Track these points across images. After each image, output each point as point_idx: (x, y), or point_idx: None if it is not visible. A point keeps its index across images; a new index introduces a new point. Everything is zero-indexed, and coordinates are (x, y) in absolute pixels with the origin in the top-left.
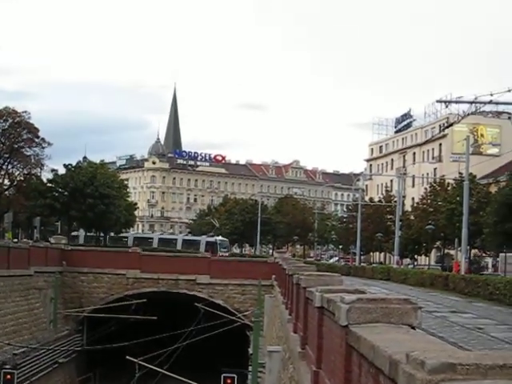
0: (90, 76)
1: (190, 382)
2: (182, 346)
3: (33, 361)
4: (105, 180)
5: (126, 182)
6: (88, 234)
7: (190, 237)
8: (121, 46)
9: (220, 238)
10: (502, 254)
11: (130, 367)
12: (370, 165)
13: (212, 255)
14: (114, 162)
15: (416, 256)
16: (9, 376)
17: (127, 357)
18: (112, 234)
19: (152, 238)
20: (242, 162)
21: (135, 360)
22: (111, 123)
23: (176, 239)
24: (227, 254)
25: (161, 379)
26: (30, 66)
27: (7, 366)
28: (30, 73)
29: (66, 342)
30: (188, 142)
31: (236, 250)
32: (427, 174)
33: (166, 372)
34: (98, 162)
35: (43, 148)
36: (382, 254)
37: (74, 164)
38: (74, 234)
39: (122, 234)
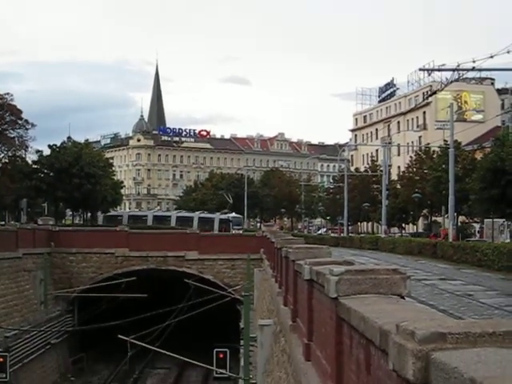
0: (73, 55)
1: (182, 358)
2: (173, 323)
3: (25, 343)
4: (90, 159)
5: (111, 161)
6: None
7: (205, 214)
8: (103, 23)
9: (233, 214)
10: (487, 220)
11: (122, 346)
12: (355, 135)
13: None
14: (98, 141)
15: (403, 224)
16: (1, 359)
17: (119, 335)
18: (112, 213)
19: (146, 216)
20: (227, 136)
21: (127, 338)
22: (95, 102)
23: (187, 217)
24: (241, 232)
25: (153, 356)
26: (13, 47)
27: None
28: (14, 54)
29: (58, 322)
30: (172, 119)
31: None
32: (412, 142)
33: (157, 349)
34: (82, 141)
35: (27, 130)
36: (370, 223)
37: (58, 144)
38: (113, 214)
39: (115, 213)
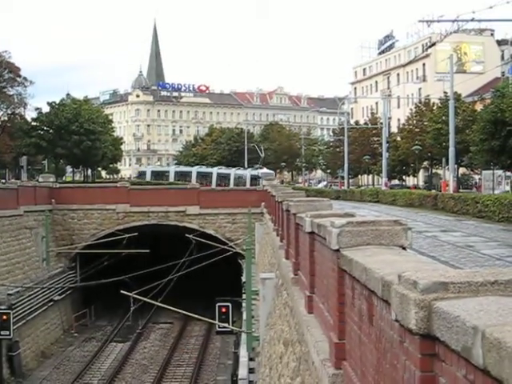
0: (70, 12)
1: (185, 312)
2: (175, 278)
3: (27, 300)
4: (89, 116)
5: (110, 117)
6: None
7: (241, 170)
8: None
9: (264, 170)
10: (485, 172)
11: (124, 301)
12: (355, 88)
13: None
14: (97, 98)
15: (404, 177)
16: (5, 316)
17: (121, 291)
18: (158, 168)
19: (168, 172)
20: (226, 91)
21: (129, 294)
22: (93, 58)
23: (211, 173)
24: None
25: (156, 311)
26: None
27: (2, 307)
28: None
29: (60, 279)
30: (171, 74)
31: None
32: (412, 94)
33: (160, 304)
34: (81, 98)
35: (26, 87)
36: (370, 176)
37: (57, 102)
38: (141, 170)
39: (162, 168)
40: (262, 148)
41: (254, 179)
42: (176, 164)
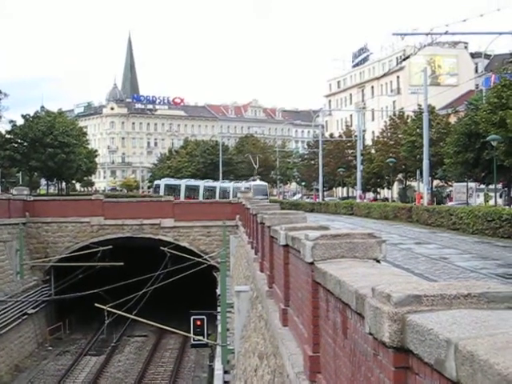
0: (44, 23)
1: (160, 325)
2: (150, 291)
3: (1, 313)
4: (64, 129)
5: (85, 130)
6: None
7: (226, 183)
8: None
9: (256, 182)
10: (456, 184)
11: (99, 314)
12: (329, 100)
13: None
14: (71, 110)
15: (378, 189)
16: None
17: (96, 304)
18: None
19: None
20: (201, 103)
21: (104, 307)
22: (68, 70)
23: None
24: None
25: (131, 324)
26: None
27: None
28: None
29: (34, 292)
30: (146, 86)
31: None
32: (386, 107)
33: (135, 317)
34: (55, 110)
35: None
36: (345, 188)
37: (31, 114)
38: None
39: (174, 182)
40: (256, 159)
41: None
42: (186, 178)
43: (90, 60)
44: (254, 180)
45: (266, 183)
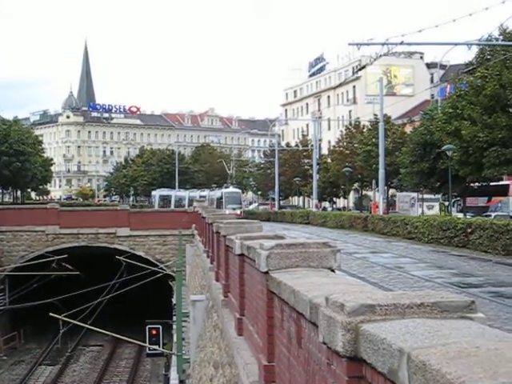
0: None
1: (115, 334)
2: (105, 300)
3: None
4: (19, 137)
5: (40, 138)
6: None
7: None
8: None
9: (229, 190)
10: (399, 194)
11: (54, 324)
12: (286, 110)
13: None
14: (27, 118)
15: (335, 199)
16: None
17: (50, 313)
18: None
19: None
20: (157, 112)
21: (58, 317)
22: (22, 78)
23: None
24: (239, 213)
25: (86, 334)
26: None
27: None
28: None
29: None
30: (102, 95)
31: None
32: (342, 116)
33: (90, 327)
34: (11, 118)
35: None
36: (301, 198)
37: None
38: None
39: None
40: (231, 164)
41: (217, 201)
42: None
43: (46, 67)
44: (226, 187)
45: (240, 190)
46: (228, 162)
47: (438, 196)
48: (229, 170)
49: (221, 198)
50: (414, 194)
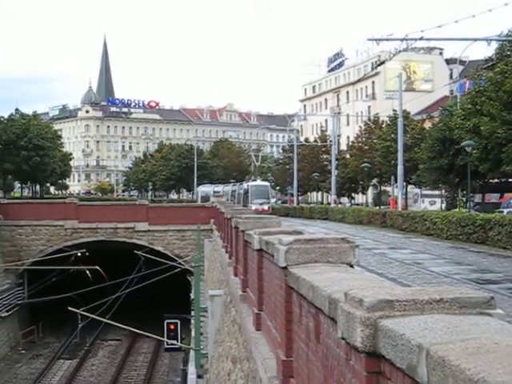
0: (20, 25)
1: (133, 329)
2: (123, 295)
3: None
4: (38, 131)
5: (59, 133)
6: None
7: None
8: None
9: (255, 182)
10: (412, 190)
11: (72, 318)
12: (304, 105)
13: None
14: (46, 113)
15: (353, 194)
16: None
17: (69, 308)
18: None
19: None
20: (176, 107)
21: (77, 311)
22: (43, 73)
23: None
24: (266, 208)
25: (104, 328)
26: None
27: None
28: None
29: (7, 296)
30: (121, 90)
31: (174, 196)
32: (361, 112)
33: (108, 321)
34: (30, 113)
35: None
36: (320, 193)
37: (6, 116)
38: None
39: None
40: (259, 155)
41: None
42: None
43: (65, 62)
44: (253, 180)
45: (268, 183)
46: (247, 157)
47: (440, 192)
48: (257, 161)
49: (246, 191)
50: (417, 190)
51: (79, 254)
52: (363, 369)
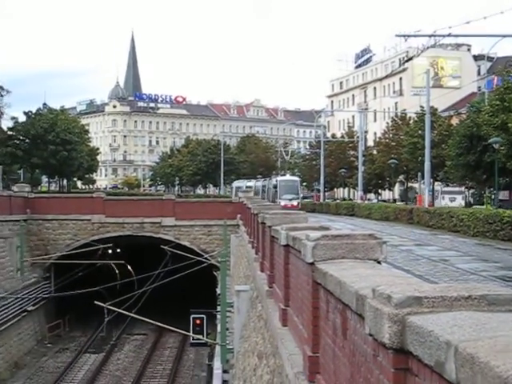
0: (49, 20)
1: (159, 323)
2: (150, 289)
3: (1, 310)
4: (66, 126)
5: (87, 128)
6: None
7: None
8: None
9: (284, 177)
10: (423, 186)
11: (99, 312)
12: (332, 101)
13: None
14: (74, 108)
15: (380, 190)
16: None
17: (96, 302)
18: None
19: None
20: (203, 102)
21: (103, 305)
22: (71, 68)
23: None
24: (296, 204)
25: (130, 322)
26: None
27: None
28: None
29: (34, 289)
30: (148, 85)
31: (200, 191)
32: (388, 108)
33: (134, 315)
34: (58, 108)
35: (2, 96)
36: (346, 189)
37: (33, 111)
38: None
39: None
40: (288, 151)
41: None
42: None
43: (93, 57)
44: (282, 175)
45: (298, 179)
46: (274, 152)
47: (461, 189)
48: (286, 155)
49: (275, 186)
50: (438, 187)
51: (110, 251)
52: (391, 365)
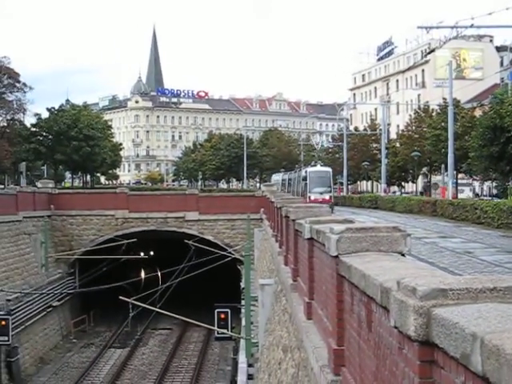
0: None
1: (184, 318)
2: (174, 284)
3: (26, 306)
4: (88, 122)
5: (109, 123)
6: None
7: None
8: None
9: (315, 168)
10: (437, 178)
11: (123, 307)
12: (354, 94)
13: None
14: (96, 104)
15: (403, 183)
16: (3, 322)
17: (120, 297)
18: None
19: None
20: (225, 97)
21: (128, 300)
22: (93, 64)
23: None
24: (328, 198)
25: (155, 317)
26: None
27: (1, 312)
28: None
29: (59, 285)
30: (170, 80)
31: (223, 185)
32: (411, 100)
33: (159, 310)
34: (80, 104)
35: (25, 93)
36: (369, 182)
37: (56, 107)
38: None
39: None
40: (319, 142)
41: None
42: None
43: (115, 53)
44: (313, 166)
45: (330, 169)
46: (297, 146)
47: (469, 181)
48: (316, 145)
49: (305, 178)
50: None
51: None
52: (416, 358)
